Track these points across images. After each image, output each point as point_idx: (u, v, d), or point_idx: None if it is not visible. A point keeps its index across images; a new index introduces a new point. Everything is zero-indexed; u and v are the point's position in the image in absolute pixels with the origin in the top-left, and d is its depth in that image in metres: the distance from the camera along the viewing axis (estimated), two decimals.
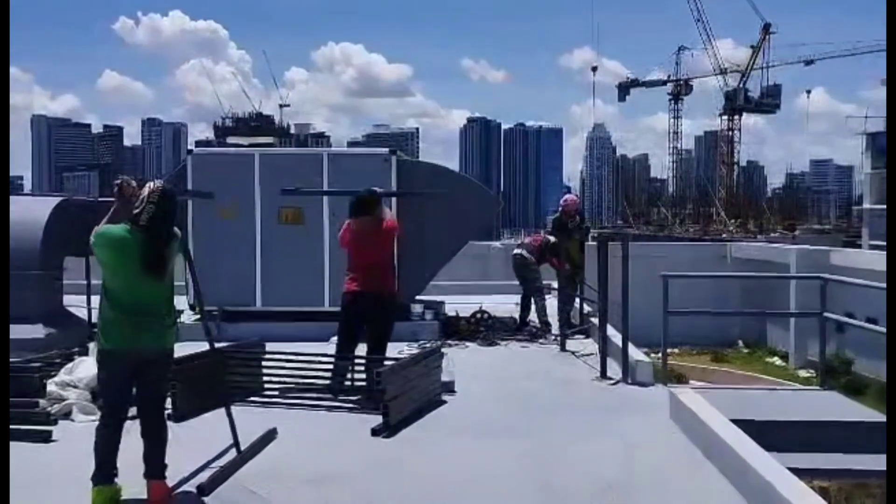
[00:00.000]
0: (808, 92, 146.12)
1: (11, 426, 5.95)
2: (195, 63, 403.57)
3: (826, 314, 8.36)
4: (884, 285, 7.34)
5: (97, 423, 4.90)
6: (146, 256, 4.65)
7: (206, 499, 4.91)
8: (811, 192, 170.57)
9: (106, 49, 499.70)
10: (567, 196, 12.64)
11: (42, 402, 6.48)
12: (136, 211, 4.69)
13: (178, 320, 5.29)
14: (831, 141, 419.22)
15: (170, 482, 4.91)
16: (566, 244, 11.45)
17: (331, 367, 7.45)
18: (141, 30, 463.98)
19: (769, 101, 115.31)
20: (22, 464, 5.42)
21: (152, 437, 4.82)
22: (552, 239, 11.69)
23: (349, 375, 7.52)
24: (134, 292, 4.68)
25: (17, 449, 5.72)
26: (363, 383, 7.29)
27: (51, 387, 6.72)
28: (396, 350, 8.31)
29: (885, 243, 40.59)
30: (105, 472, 4.70)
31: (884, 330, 7.40)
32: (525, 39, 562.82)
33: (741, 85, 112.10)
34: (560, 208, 12.17)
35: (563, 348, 10.12)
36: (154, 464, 4.80)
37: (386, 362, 7.04)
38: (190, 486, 5.03)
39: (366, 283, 7.50)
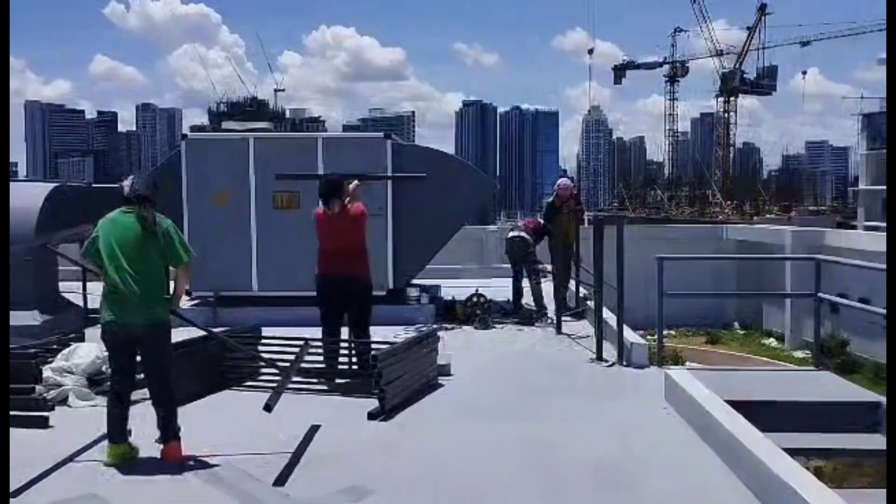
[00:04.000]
0: (804, 73, 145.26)
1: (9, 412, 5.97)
2: (188, 48, 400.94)
3: (821, 295, 8.37)
4: (879, 265, 7.34)
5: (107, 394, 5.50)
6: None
7: (204, 479, 4.95)
8: (807, 173, 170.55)
9: (97, 34, 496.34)
10: (561, 181, 12.57)
11: (39, 388, 6.48)
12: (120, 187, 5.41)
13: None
14: (826, 122, 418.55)
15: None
16: (561, 226, 11.42)
17: (324, 351, 7.47)
18: (132, 14, 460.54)
19: (765, 83, 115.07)
20: (19, 449, 5.43)
21: (160, 405, 5.26)
22: (542, 223, 11.82)
23: (343, 360, 7.53)
24: (121, 269, 5.12)
25: (14, 435, 5.72)
26: (357, 367, 7.32)
27: (47, 373, 6.73)
28: (393, 334, 8.33)
29: (881, 224, 40.69)
30: (117, 433, 5.22)
31: (880, 310, 7.41)
32: (517, 22, 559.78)
33: (737, 66, 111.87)
34: (554, 192, 12.16)
35: (558, 331, 10.14)
36: (165, 429, 5.24)
37: (382, 346, 7.04)
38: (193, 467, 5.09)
39: (333, 267, 7.48)
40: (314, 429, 5.98)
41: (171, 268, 5.35)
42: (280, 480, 4.95)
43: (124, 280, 5.11)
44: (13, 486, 4.70)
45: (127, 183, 5.38)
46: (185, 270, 5.43)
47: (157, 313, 5.22)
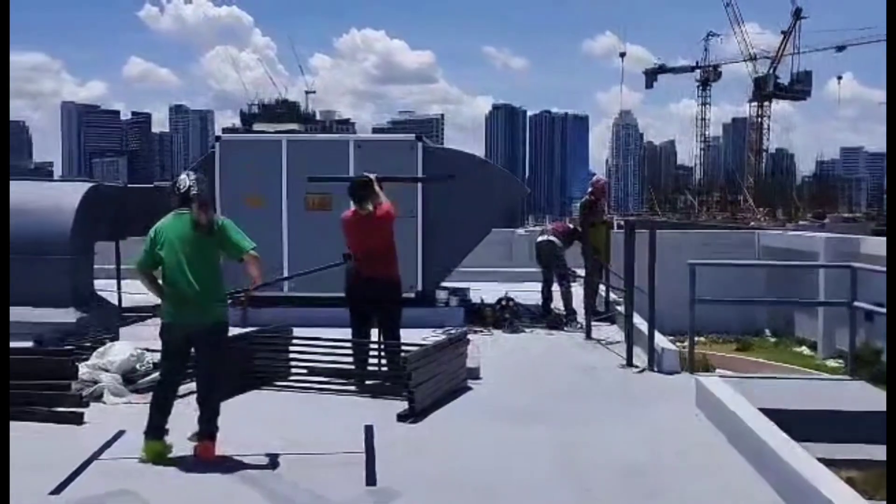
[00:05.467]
0: (839, 78, 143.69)
1: (45, 408, 6.10)
2: (220, 50, 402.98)
3: (856, 303, 8.26)
4: None
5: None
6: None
7: (237, 478, 5.01)
8: (841, 179, 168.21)
9: (132, 36, 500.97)
10: (597, 176, 12.75)
11: (74, 384, 6.59)
12: (182, 190, 5.34)
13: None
14: (860, 127, 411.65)
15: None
16: (593, 228, 11.40)
17: (355, 353, 7.52)
18: (166, 17, 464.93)
19: (799, 88, 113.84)
20: (55, 446, 5.55)
21: (205, 404, 5.31)
22: (571, 227, 11.86)
23: (372, 361, 7.56)
24: (179, 270, 5.22)
25: (49, 431, 5.86)
26: (387, 368, 7.36)
27: (83, 370, 6.83)
28: (421, 336, 8.35)
29: None
30: (155, 429, 5.28)
31: None
32: (547, 25, 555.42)
33: (771, 71, 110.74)
34: (591, 188, 12.23)
35: (588, 336, 10.10)
36: (204, 427, 5.29)
37: (412, 348, 7.06)
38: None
39: (362, 269, 7.51)
40: (344, 430, 6.01)
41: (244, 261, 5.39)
42: (310, 481, 5.00)
43: (186, 279, 5.20)
44: (50, 483, 4.79)
45: (191, 183, 5.34)
46: (253, 260, 5.40)
47: (216, 312, 5.35)
